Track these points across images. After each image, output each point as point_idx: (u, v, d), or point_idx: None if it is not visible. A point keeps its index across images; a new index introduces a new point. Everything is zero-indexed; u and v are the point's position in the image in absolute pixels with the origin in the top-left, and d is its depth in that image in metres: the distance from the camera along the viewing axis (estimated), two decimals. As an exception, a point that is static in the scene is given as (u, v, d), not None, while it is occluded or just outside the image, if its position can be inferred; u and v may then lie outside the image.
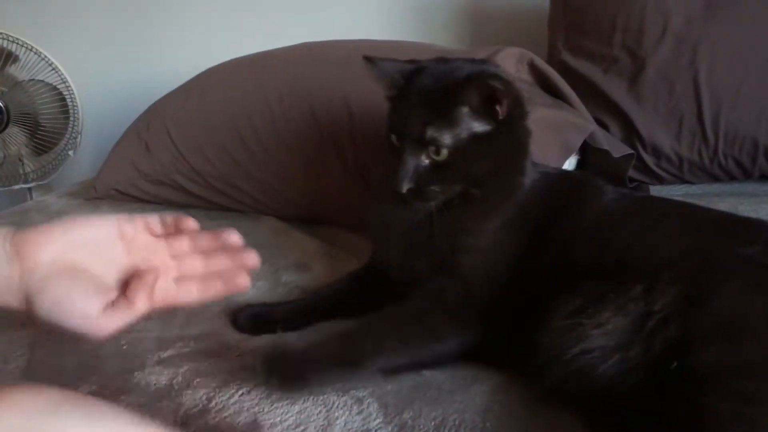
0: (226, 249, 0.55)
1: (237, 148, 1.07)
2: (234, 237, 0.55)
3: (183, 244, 0.56)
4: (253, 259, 0.55)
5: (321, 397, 0.56)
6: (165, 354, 0.67)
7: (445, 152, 0.61)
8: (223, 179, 1.09)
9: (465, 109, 0.61)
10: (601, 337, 0.48)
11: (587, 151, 0.97)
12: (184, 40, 1.63)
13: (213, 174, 1.10)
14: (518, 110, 0.63)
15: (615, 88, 1.04)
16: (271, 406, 0.56)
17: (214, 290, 0.55)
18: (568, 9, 1.12)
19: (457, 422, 0.52)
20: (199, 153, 1.10)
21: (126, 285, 0.51)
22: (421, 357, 0.59)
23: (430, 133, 0.60)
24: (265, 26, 1.55)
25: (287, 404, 0.56)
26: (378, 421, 0.53)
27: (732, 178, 1.03)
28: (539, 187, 0.66)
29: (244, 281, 0.54)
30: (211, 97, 1.13)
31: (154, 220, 0.55)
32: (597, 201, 0.64)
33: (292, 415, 0.54)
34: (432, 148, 0.61)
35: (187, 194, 1.12)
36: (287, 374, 0.57)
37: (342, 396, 0.57)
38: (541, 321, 0.54)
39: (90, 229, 0.52)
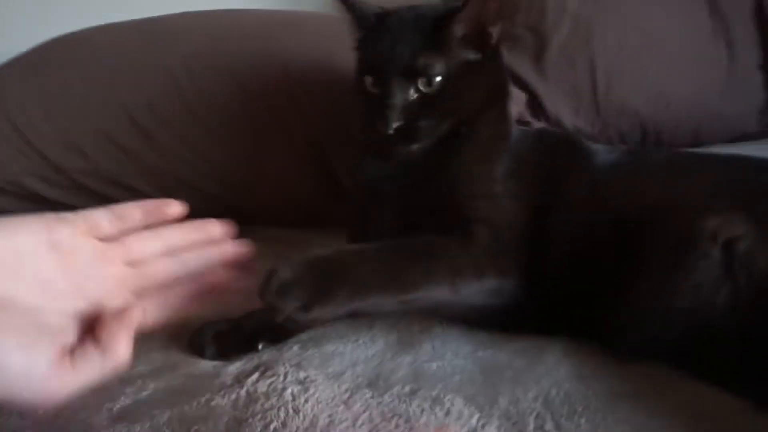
0: (200, 241, 0.46)
1: (125, 132, 0.85)
2: (216, 226, 0.47)
3: (145, 243, 0.44)
4: (231, 246, 0.47)
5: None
6: (117, 405, 0.49)
7: (437, 82, 0.58)
8: (102, 176, 0.87)
9: (459, 35, 0.59)
10: (709, 267, 0.49)
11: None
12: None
13: (86, 170, 0.87)
14: (502, 39, 0.63)
15: (520, 65, 1.09)
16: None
17: (184, 299, 0.44)
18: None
19: (561, 394, 0.49)
20: (63, 144, 0.86)
21: (89, 323, 0.38)
22: (467, 296, 0.55)
23: (422, 61, 0.58)
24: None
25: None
26: (476, 417, 0.47)
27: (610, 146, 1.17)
28: (529, 142, 0.66)
29: (226, 277, 0.46)
30: (74, 72, 0.89)
31: (101, 215, 0.42)
32: (598, 156, 0.65)
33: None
34: (423, 79, 0.58)
35: (43, 203, 0.87)
36: (321, 286, 0.49)
37: (412, 398, 0.48)
38: (616, 274, 0.53)
39: (4, 237, 0.37)
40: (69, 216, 0.41)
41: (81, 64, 0.89)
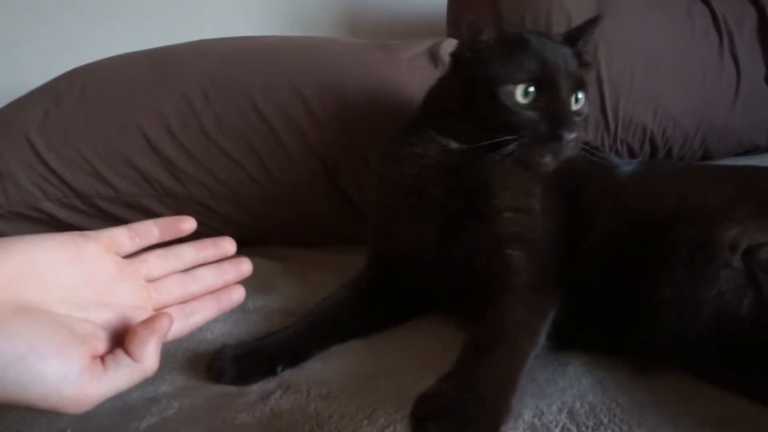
0: (212, 259, 0.48)
1: (144, 157, 0.87)
2: (229, 243, 0.48)
3: (164, 260, 0.46)
4: (246, 264, 0.48)
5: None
6: (143, 424, 0.50)
7: (583, 100, 0.62)
8: (121, 201, 0.88)
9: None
10: (731, 277, 0.49)
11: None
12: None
13: (106, 195, 0.88)
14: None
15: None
16: None
17: (203, 314, 0.46)
18: (471, 6, 1.17)
19: (587, 407, 0.48)
20: (82, 170, 0.88)
21: (117, 334, 0.39)
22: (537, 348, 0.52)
23: (582, 75, 0.62)
24: (120, 27, 1.32)
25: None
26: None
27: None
28: None
29: (238, 294, 0.47)
30: (92, 100, 0.91)
31: (122, 232, 0.44)
32: (618, 166, 0.66)
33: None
34: (574, 96, 0.61)
35: (62, 227, 0.88)
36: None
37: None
38: (638, 285, 0.53)
39: (36, 252, 0.38)
40: (93, 233, 0.43)
41: (98, 92, 0.91)
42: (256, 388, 0.54)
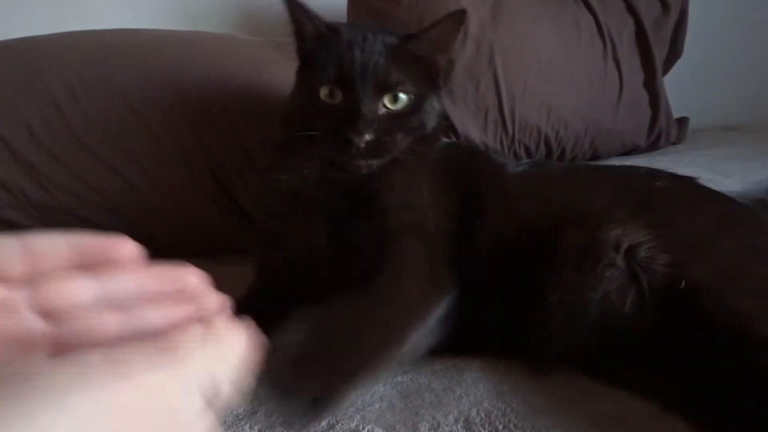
0: (168, 293, 0.32)
1: (2, 162, 0.77)
2: (193, 275, 0.32)
3: (74, 287, 0.29)
4: (213, 299, 0.32)
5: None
6: None
7: (403, 99, 0.58)
8: None
9: (419, 57, 0.61)
10: (615, 276, 0.50)
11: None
12: None
13: None
14: (445, 70, 0.65)
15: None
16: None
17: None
18: (372, 12, 1.15)
19: (483, 414, 0.47)
20: None
21: None
22: (420, 337, 0.52)
23: (395, 77, 0.57)
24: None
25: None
26: (397, 444, 0.44)
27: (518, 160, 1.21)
28: (445, 153, 0.67)
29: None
30: None
31: (7, 248, 0.29)
32: (506, 167, 0.67)
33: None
34: (390, 95, 0.58)
35: None
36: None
37: None
38: (529, 288, 0.53)
39: None
40: None
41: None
42: None
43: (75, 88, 0.78)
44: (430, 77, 0.62)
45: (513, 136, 1.15)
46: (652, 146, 1.27)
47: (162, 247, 0.93)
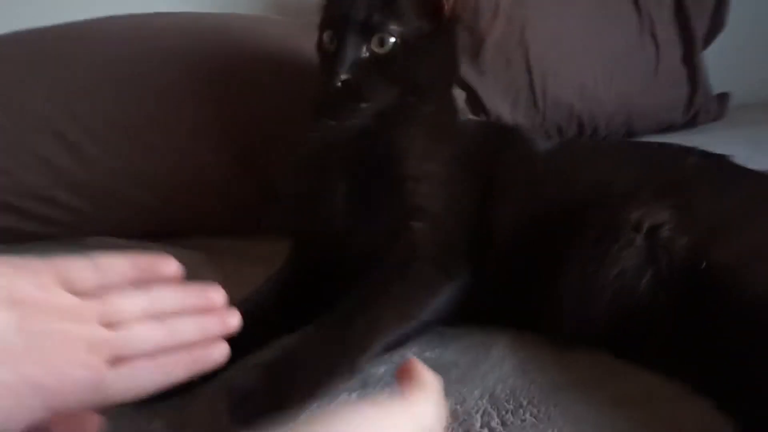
0: (197, 309, 0.37)
1: (48, 145, 0.81)
2: (218, 295, 0.38)
3: (131, 300, 0.36)
4: (234, 318, 0.38)
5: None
6: None
7: (389, 43, 0.59)
8: (27, 192, 0.82)
9: (412, 2, 0.60)
10: (632, 256, 0.50)
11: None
12: None
13: (9, 188, 0.81)
14: (460, 13, 0.64)
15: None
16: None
17: (177, 370, 0.36)
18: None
19: (508, 391, 0.49)
20: None
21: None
22: (422, 322, 0.54)
23: (377, 18, 0.58)
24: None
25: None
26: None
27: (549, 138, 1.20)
28: (472, 131, 0.67)
29: (220, 353, 0.37)
30: None
31: (78, 265, 0.35)
32: (536, 144, 0.67)
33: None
34: (376, 38, 0.59)
35: None
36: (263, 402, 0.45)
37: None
38: (547, 265, 0.53)
39: None
40: (35, 264, 0.34)
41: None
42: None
43: (115, 71, 0.81)
44: (433, 17, 0.61)
45: (544, 113, 1.14)
46: (690, 123, 1.24)
47: (200, 225, 0.96)
